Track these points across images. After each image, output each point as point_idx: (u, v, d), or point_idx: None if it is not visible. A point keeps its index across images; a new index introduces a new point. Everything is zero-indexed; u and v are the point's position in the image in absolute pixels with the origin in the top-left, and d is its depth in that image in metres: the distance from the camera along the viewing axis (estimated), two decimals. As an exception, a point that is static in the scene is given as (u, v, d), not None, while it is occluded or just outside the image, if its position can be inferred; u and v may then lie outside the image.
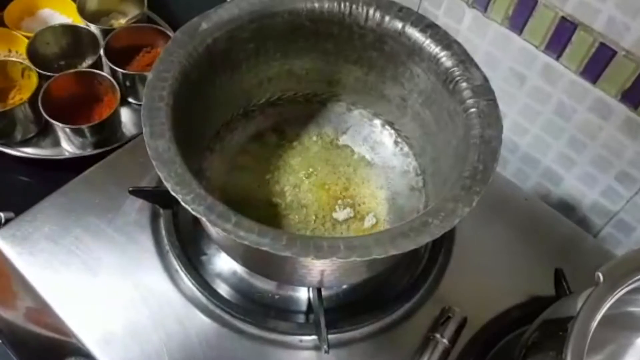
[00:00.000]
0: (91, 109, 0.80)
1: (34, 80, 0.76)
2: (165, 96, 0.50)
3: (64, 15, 0.89)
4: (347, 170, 0.67)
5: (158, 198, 0.63)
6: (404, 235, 0.45)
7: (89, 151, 0.77)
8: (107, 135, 0.78)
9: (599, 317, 0.44)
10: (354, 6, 0.58)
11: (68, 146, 0.78)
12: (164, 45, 0.54)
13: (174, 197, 0.45)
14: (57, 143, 0.79)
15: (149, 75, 0.51)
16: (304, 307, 0.62)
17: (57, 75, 0.77)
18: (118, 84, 0.80)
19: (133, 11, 0.89)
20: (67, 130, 0.74)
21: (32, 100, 0.74)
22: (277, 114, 0.67)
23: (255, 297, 0.62)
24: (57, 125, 0.74)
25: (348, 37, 0.60)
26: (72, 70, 0.79)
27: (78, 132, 0.75)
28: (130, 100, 0.84)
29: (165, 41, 0.81)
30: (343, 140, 0.68)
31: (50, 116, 0.73)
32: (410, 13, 0.58)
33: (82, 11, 0.85)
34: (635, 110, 0.64)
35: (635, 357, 0.54)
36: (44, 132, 0.79)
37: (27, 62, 0.78)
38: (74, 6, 0.85)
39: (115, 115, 0.78)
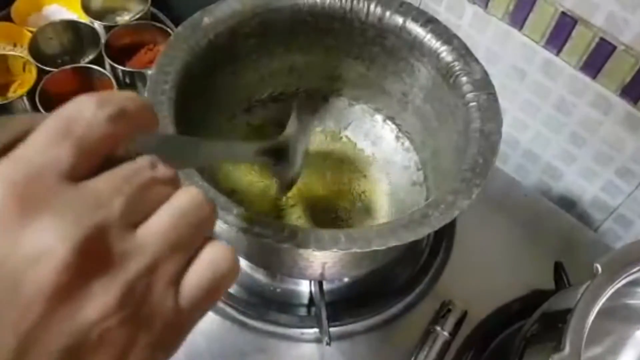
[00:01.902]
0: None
1: (34, 75, 0.77)
2: (167, 90, 0.50)
3: (70, 11, 0.89)
4: (349, 165, 0.67)
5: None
6: (405, 227, 0.45)
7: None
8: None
9: (597, 307, 0.45)
10: (355, 1, 0.59)
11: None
12: (165, 43, 0.54)
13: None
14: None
15: (152, 69, 0.52)
16: (305, 300, 0.62)
17: (55, 70, 0.77)
18: (117, 80, 0.80)
19: (137, 8, 0.89)
20: (64, 125, 0.75)
21: (31, 95, 0.75)
22: (278, 109, 0.68)
23: (257, 290, 0.62)
24: None
25: (349, 33, 0.61)
26: (69, 66, 0.79)
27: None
28: (130, 96, 0.85)
29: (166, 39, 0.81)
30: (344, 135, 0.69)
31: (48, 111, 0.73)
32: (411, 8, 0.58)
33: (86, 8, 0.86)
34: (635, 105, 0.64)
35: (634, 349, 0.55)
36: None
37: (28, 57, 0.79)
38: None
39: (112, 111, 0.78)
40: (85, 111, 0.23)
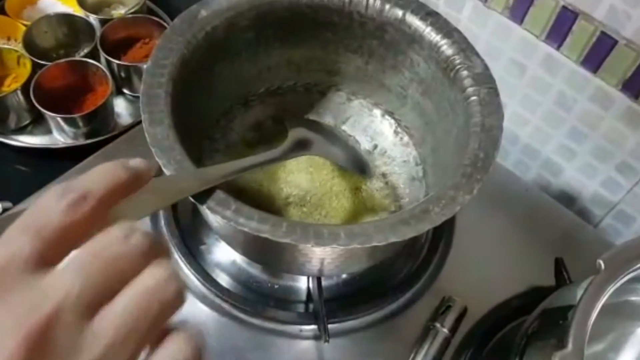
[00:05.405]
0: (84, 98, 0.79)
1: (28, 69, 0.76)
2: (164, 83, 0.50)
3: (65, 4, 0.89)
4: (347, 160, 0.66)
5: (157, 187, 0.63)
6: (405, 223, 0.45)
7: (82, 140, 0.77)
8: (100, 125, 0.77)
9: (600, 304, 0.44)
10: (354, -6, 0.58)
11: (60, 136, 0.78)
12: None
13: (173, 184, 0.44)
14: (51, 131, 0.79)
15: (148, 62, 0.51)
16: (303, 297, 0.62)
17: (49, 64, 0.77)
18: (113, 74, 0.79)
19: (133, 2, 0.89)
20: (59, 119, 0.74)
21: (25, 88, 0.74)
22: (276, 103, 0.67)
23: (255, 286, 0.62)
24: (49, 114, 0.73)
25: (348, 26, 0.60)
26: (64, 60, 0.78)
27: (70, 122, 0.75)
28: (125, 91, 0.84)
29: (162, 33, 0.80)
30: (343, 130, 0.68)
31: (42, 105, 0.73)
32: (410, 1, 0.58)
33: (81, 1, 0.85)
34: (635, 100, 0.63)
35: (636, 346, 0.54)
36: (38, 121, 0.79)
37: (22, 50, 0.78)
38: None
39: (108, 105, 0.77)
40: (46, 202, 0.24)
